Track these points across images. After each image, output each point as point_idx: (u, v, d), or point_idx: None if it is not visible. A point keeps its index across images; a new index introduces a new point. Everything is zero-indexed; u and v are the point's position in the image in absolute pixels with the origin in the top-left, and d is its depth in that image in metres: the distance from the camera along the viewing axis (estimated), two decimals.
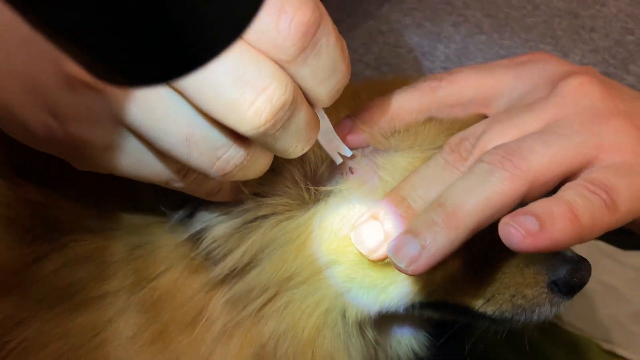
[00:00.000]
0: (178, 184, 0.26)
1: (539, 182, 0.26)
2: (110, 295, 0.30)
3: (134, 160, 0.25)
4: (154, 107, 0.23)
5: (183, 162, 0.24)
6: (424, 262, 0.26)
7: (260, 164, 0.25)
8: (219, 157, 0.23)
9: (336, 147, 0.30)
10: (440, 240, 0.26)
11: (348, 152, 0.30)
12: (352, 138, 0.31)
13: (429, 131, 0.31)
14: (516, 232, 0.24)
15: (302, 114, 0.23)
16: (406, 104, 0.31)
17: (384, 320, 0.35)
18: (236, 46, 0.21)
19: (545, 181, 0.26)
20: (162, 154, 0.24)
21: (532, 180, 0.26)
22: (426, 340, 0.41)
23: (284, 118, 0.22)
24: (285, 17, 0.21)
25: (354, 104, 0.33)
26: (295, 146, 0.24)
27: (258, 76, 0.21)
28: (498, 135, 0.28)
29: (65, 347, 0.29)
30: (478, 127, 0.29)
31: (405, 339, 0.39)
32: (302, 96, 0.23)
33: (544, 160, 0.26)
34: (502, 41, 0.45)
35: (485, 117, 0.32)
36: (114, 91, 0.22)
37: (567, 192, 0.26)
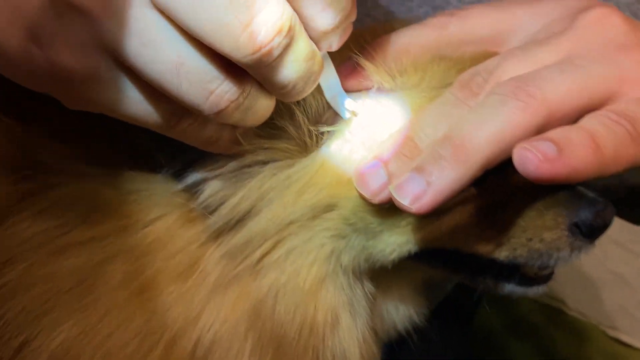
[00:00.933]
0: (172, 130, 0.25)
1: (556, 114, 0.24)
2: (99, 239, 0.29)
3: (123, 97, 0.23)
4: (142, 32, 0.21)
5: (174, 95, 0.22)
6: (430, 199, 0.24)
7: (259, 106, 0.24)
8: (212, 90, 0.22)
9: (343, 102, 0.28)
10: (447, 175, 0.24)
11: (356, 107, 0.29)
12: (355, 78, 0.29)
13: (437, 68, 0.29)
14: (532, 156, 0.22)
15: (302, 45, 0.22)
16: (414, 41, 0.30)
17: (381, 278, 0.34)
18: None
19: (563, 114, 0.24)
20: (154, 93, 0.23)
21: (549, 112, 0.24)
22: (425, 309, 0.39)
23: (281, 45, 0.21)
24: None
25: (358, 48, 0.31)
26: (294, 83, 0.23)
27: None
28: (512, 69, 0.26)
29: (53, 289, 0.28)
30: (491, 62, 0.28)
31: (403, 305, 0.37)
32: (301, 26, 0.22)
33: (561, 90, 0.24)
34: None
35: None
36: (100, 14, 0.21)
37: (588, 120, 0.24)
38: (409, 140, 0.27)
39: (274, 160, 0.29)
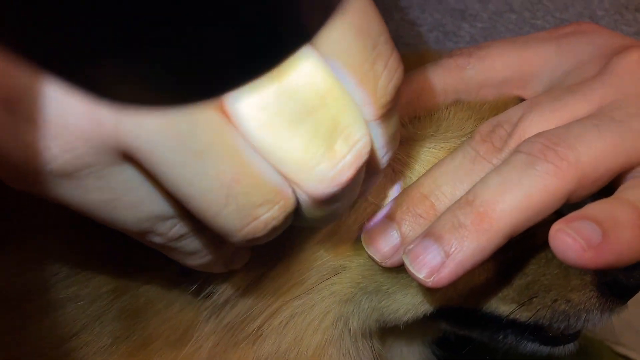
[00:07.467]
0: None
1: (590, 178, 0.21)
2: (84, 297, 0.26)
3: (112, 197, 0.17)
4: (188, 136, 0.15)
5: (203, 219, 0.17)
6: (448, 272, 0.21)
7: None
8: (257, 216, 0.17)
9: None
10: (468, 246, 0.21)
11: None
12: None
13: (454, 116, 0.27)
14: (574, 243, 0.19)
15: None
16: (427, 84, 0.27)
17: (387, 333, 0.31)
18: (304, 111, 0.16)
19: (597, 177, 0.22)
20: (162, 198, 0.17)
21: (582, 176, 0.21)
22: (433, 356, 0.37)
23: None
24: (388, 71, 0.16)
25: None
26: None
27: (340, 141, 0.16)
28: (539, 121, 0.23)
29: (26, 353, 0.26)
30: (514, 111, 0.25)
31: (411, 353, 0.35)
32: None
33: (596, 151, 0.21)
34: (535, 21, 0.40)
35: (521, 100, 0.28)
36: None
37: (631, 192, 0.21)
38: (424, 198, 0.24)
39: None
